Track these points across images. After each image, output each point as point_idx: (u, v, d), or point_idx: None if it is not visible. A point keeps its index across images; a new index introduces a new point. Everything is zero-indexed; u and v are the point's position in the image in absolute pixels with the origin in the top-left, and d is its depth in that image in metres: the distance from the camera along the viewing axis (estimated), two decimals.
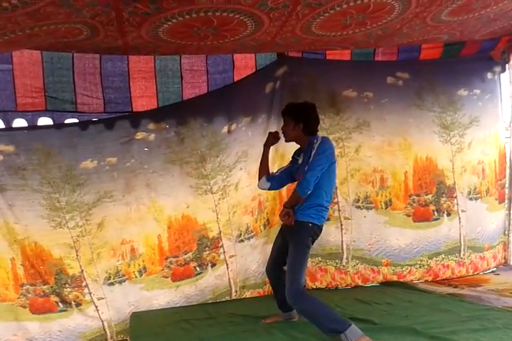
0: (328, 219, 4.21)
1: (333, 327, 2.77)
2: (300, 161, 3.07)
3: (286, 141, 3.23)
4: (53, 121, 3.69)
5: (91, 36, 3.00)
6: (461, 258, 4.56)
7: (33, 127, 3.62)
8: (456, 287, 4.13)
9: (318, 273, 4.25)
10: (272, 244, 4.08)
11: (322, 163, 2.91)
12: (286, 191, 4.14)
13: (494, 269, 4.72)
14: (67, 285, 3.59)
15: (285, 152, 4.08)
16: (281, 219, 3.06)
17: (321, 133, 4.07)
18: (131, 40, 3.15)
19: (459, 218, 4.56)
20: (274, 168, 4.08)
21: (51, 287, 3.56)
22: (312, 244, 3.04)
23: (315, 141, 2.97)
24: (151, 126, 3.75)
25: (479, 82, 4.60)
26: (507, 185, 4.80)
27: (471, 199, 4.61)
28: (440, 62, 4.48)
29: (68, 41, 3.12)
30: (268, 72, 4.02)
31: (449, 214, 4.54)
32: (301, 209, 2.99)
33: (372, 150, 4.37)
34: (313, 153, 2.92)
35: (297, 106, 3.12)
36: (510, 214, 4.79)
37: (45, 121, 3.70)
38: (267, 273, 3.32)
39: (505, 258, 4.81)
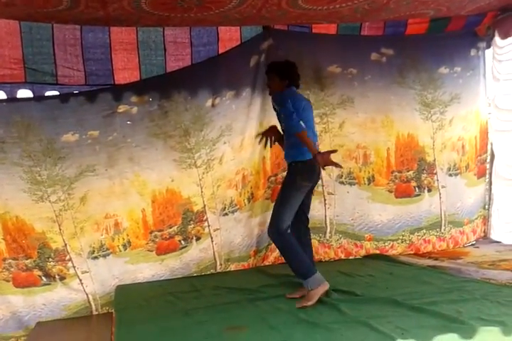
0: (312, 194, 4.27)
1: (301, 271, 3.04)
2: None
3: (270, 95, 3.35)
4: (33, 93, 3.62)
5: (71, 7, 2.93)
6: (442, 233, 4.64)
7: (12, 99, 3.54)
8: (436, 259, 4.21)
9: None
10: (255, 218, 4.16)
11: (288, 104, 3.04)
12: (270, 165, 4.19)
13: (474, 242, 4.81)
14: (50, 259, 3.57)
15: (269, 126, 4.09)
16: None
17: None
18: (113, 11, 3.09)
19: (440, 194, 4.63)
20: (257, 141, 4.07)
21: (34, 261, 3.54)
22: (308, 181, 3.16)
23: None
24: (134, 99, 3.69)
25: (462, 59, 4.62)
26: (488, 160, 4.88)
27: (450, 175, 4.69)
28: (425, 38, 4.48)
29: (47, 11, 3.04)
30: (253, 45, 3.97)
31: (429, 190, 4.61)
32: (286, 154, 3.24)
33: (355, 126, 4.38)
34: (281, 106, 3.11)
35: (282, 64, 3.28)
36: (490, 188, 4.87)
37: (24, 93, 3.62)
38: None
39: (484, 231, 4.91)
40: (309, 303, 2.94)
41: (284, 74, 3.23)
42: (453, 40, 4.54)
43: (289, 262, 3.10)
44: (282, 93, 3.16)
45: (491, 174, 4.85)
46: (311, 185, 3.22)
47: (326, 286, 3.03)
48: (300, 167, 3.12)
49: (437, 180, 4.62)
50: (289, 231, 3.06)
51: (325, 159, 2.90)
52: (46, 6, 2.88)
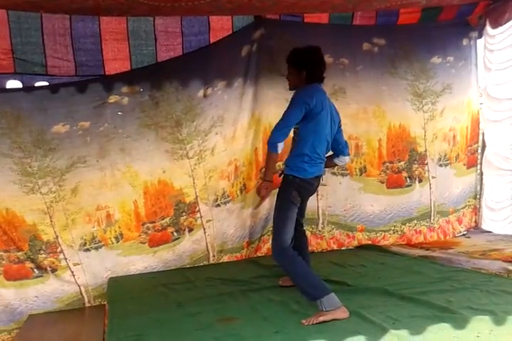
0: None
1: (310, 291, 2.68)
2: None
3: (289, 90, 2.98)
4: (22, 84, 3.55)
5: None
6: (432, 224, 4.68)
7: (0, 90, 3.49)
8: (427, 249, 4.24)
9: None
10: (248, 209, 4.15)
11: (293, 111, 2.75)
12: (262, 156, 4.13)
13: (465, 232, 4.85)
14: (41, 251, 3.55)
15: (261, 117, 4.08)
16: (258, 194, 2.91)
17: None
18: (102, 1, 3.03)
19: (430, 184, 4.66)
20: (250, 132, 4.08)
21: (25, 253, 3.52)
22: (303, 198, 2.94)
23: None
24: (125, 89, 3.66)
25: (454, 48, 4.61)
26: (479, 151, 4.89)
27: (441, 165, 4.71)
28: (417, 27, 4.46)
29: (35, 1, 2.98)
30: (245, 35, 3.93)
31: (420, 181, 4.63)
32: (287, 161, 2.92)
33: (347, 117, 4.33)
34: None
35: (299, 53, 2.89)
36: (481, 178, 4.89)
37: (13, 84, 3.56)
38: None
39: (475, 221, 4.94)
40: (320, 319, 2.57)
41: (301, 64, 2.82)
42: (445, 30, 4.53)
43: (296, 281, 2.76)
44: (298, 92, 2.81)
45: (481, 164, 4.87)
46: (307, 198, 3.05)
47: (345, 314, 2.61)
48: (298, 183, 2.82)
49: (428, 171, 4.65)
50: (291, 248, 2.78)
51: (262, 193, 2.85)
52: None
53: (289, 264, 2.78)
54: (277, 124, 2.77)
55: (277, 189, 2.94)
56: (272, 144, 2.76)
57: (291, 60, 2.91)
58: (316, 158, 2.85)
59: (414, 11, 4.32)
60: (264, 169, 2.86)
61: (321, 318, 2.57)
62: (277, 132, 2.75)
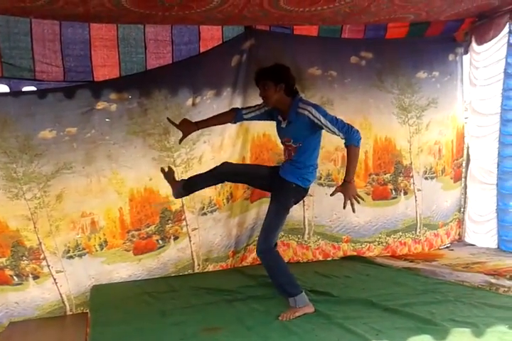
0: None
1: (287, 288, 2.88)
2: (284, 125, 2.89)
3: (270, 106, 2.93)
4: (10, 88, 3.55)
5: (50, 2, 2.88)
6: (417, 236, 4.70)
7: None
8: (412, 261, 4.26)
9: (280, 248, 4.23)
10: (234, 218, 4.15)
11: (334, 118, 2.78)
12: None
13: (449, 245, 4.88)
14: (24, 258, 3.51)
15: (249, 126, 4.09)
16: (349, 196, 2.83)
17: None
18: (93, 8, 3.05)
19: (415, 197, 4.69)
20: (238, 141, 4.09)
21: (7, 260, 3.48)
22: (294, 204, 2.99)
23: (307, 110, 2.76)
24: (113, 96, 3.66)
25: (440, 63, 4.68)
26: (464, 165, 4.95)
27: (426, 178, 4.75)
28: (405, 42, 4.53)
29: (25, 6, 2.98)
30: (235, 45, 3.96)
31: (405, 193, 4.66)
32: (290, 168, 2.89)
33: None
34: (321, 121, 2.73)
35: (273, 68, 2.87)
36: (465, 192, 4.94)
37: (0, 88, 3.54)
38: None
39: (459, 234, 4.98)
40: (296, 315, 2.82)
41: (278, 76, 2.81)
42: (432, 45, 4.60)
43: (276, 280, 2.91)
44: (306, 103, 2.82)
45: (466, 178, 4.92)
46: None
47: (311, 309, 2.88)
48: (299, 191, 2.92)
49: (413, 184, 4.68)
50: (276, 248, 2.92)
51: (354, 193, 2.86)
52: (24, 0, 2.82)
53: (272, 262, 2.91)
54: (348, 126, 2.76)
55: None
56: (359, 140, 2.78)
57: (270, 75, 2.83)
58: (316, 166, 2.98)
59: (402, 25, 4.39)
60: (348, 169, 2.80)
61: (297, 314, 2.81)
62: (356, 130, 2.77)
